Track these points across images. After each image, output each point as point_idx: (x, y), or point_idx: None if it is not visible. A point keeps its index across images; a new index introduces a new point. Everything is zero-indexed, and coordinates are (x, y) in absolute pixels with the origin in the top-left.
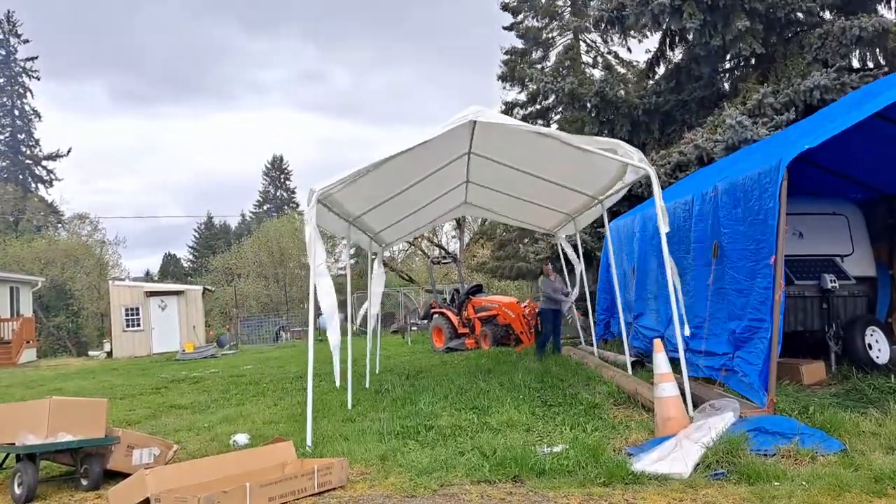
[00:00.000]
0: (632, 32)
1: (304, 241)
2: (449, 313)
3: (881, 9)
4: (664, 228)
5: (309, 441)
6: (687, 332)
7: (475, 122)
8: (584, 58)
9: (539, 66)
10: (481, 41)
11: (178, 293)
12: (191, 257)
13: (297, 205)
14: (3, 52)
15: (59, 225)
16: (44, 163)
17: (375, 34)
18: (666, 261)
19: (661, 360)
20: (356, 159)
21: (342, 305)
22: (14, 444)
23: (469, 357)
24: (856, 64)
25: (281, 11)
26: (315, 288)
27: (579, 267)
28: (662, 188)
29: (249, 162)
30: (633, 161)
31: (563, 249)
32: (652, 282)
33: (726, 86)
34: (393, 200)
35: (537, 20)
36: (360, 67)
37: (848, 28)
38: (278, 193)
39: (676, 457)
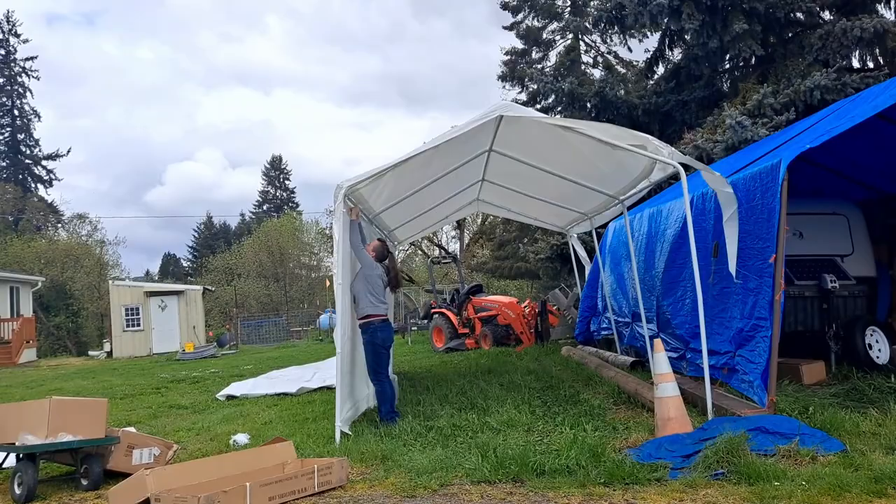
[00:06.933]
0: (632, 32)
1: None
2: (449, 313)
3: (881, 9)
4: (690, 226)
5: (338, 438)
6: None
7: (502, 116)
8: (585, 57)
9: (539, 66)
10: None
11: (177, 293)
12: (191, 257)
13: (297, 204)
14: (3, 52)
15: (59, 225)
16: (43, 163)
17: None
18: (694, 260)
19: (661, 360)
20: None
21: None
22: (14, 444)
23: (469, 357)
24: (856, 64)
25: None
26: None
27: (589, 266)
28: (662, 189)
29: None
30: (664, 157)
31: (573, 248)
32: (654, 281)
33: (726, 86)
34: (409, 198)
35: (537, 20)
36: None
37: (849, 29)
38: (277, 193)
39: None
